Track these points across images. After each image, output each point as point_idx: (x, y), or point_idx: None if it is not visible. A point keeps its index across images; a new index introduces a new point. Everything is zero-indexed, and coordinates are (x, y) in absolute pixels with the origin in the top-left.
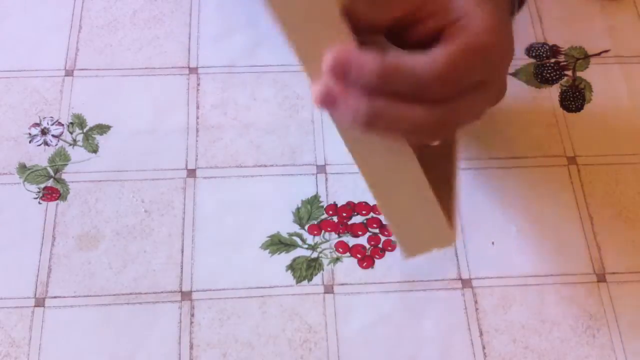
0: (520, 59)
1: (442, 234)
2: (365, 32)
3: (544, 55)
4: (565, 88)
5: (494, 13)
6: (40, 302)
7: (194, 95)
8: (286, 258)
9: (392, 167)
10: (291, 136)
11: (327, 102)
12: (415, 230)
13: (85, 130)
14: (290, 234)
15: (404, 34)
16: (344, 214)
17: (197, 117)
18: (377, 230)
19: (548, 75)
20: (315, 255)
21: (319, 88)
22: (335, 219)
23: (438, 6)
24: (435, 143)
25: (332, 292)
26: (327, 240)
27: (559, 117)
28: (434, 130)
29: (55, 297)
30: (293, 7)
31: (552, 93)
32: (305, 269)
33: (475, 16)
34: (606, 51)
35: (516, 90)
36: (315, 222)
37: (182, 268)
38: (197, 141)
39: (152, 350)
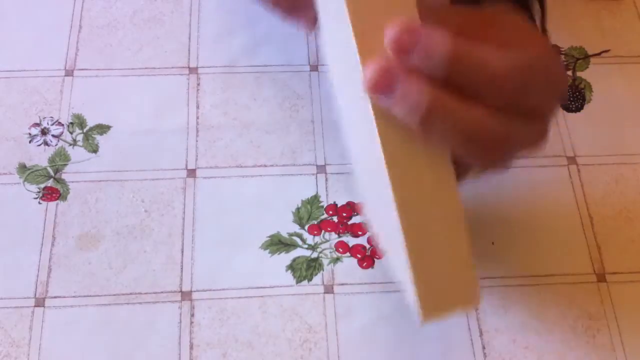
0: None
1: (469, 291)
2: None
3: None
4: None
5: (550, 46)
6: (40, 302)
7: (194, 95)
8: (286, 258)
9: (432, 192)
10: (291, 136)
11: (384, 85)
12: (441, 283)
13: (85, 130)
14: (290, 234)
15: None
16: (344, 214)
17: (197, 117)
18: None
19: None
20: (315, 255)
21: (376, 66)
22: (335, 219)
23: (490, 32)
24: (473, 176)
25: (332, 292)
26: (327, 240)
27: (559, 117)
28: (490, 144)
29: (55, 297)
30: None
31: None
32: (305, 269)
33: (543, 39)
34: (606, 51)
35: None
36: (315, 222)
37: (182, 268)
38: (197, 141)
39: (152, 350)
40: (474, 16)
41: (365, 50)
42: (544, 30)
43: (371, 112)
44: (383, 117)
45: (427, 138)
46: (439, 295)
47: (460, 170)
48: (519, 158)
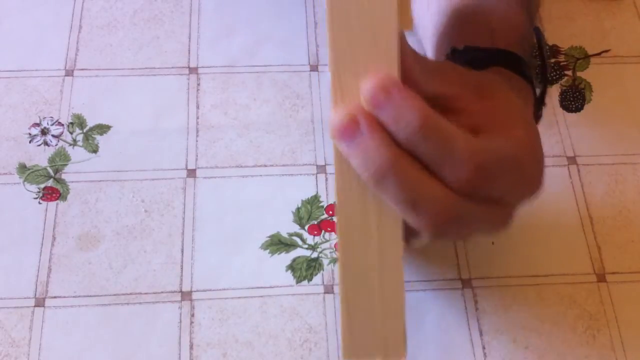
0: None
1: (395, 344)
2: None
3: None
4: (565, 88)
5: (536, 132)
6: (40, 302)
7: (194, 95)
8: (286, 258)
9: (375, 240)
10: (291, 136)
11: (345, 132)
12: (368, 329)
13: (85, 130)
14: (290, 234)
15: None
16: None
17: (197, 117)
18: None
19: (548, 75)
20: (315, 255)
21: (342, 111)
22: (335, 218)
23: (478, 107)
24: (421, 243)
25: (332, 292)
26: (327, 240)
27: (559, 117)
28: (440, 220)
29: (55, 297)
30: (350, 8)
31: (552, 93)
32: (305, 269)
33: (519, 133)
34: (606, 51)
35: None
36: (315, 222)
37: (182, 268)
38: (197, 141)
39: (152, 350)
40: (469, 78)
41: (339, 90)
42: (541, 101)
43: (332, 151)
44: (341, 160)
45: (377, 194)
46: (363, 340)
47: (411, 230)
48: (474, 237)
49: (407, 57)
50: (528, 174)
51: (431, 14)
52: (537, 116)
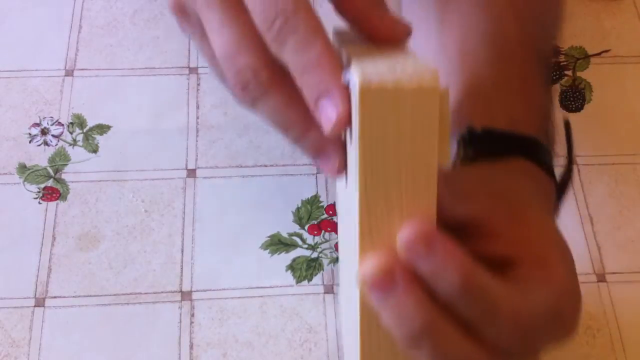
0: None
1: None
2: None
3: None
4: (565, 88)
5: (572, 263)
6: (40, 302)
7: (194, 95)
8: (286, 258)
9: None
10: None
11: (381, 287)
12: None
13: (85, 130)
14: (290, 234)
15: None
16: None
17: (197, 117)
18: None
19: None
20: (315, 255)
21: (376, 262)
22: (335, 219)
23: (512, 234)
24: None
25: (332, 292)
26: (327, 240)
27: (559, 116)
28: None
29: (55, 297)
30: (385, 138)
31: (552, 93)
32: (305, 269)
33: (557, 271)
34: (606, 51)
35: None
36: (315, 222)
37: (182, 268)
38: (197, 141)
39: (152, 350)
40: (500, 200)
41: (368, 232)
42: (562, 192)
43: (357, 300)
44: (369, 313)
45: (407, 351)
46: None
47: None
48: None
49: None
50: (568, 323)
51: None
52: (557, 207)
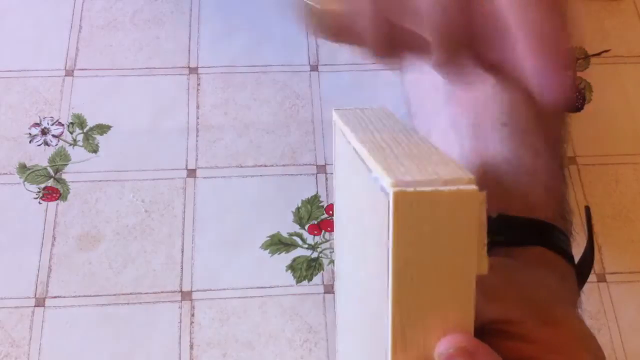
0: None
1: None
2: None
3: None
4: None
5: None
6: (40, 302)
7: (194, 95)
8: (286, 258)
9: None
10: (291, 136)
11: None
12: None
13: (85, 130)
14: (290, 234)
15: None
16: None
17: (197, 117)
18: None
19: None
20: (315, 255)
21: None
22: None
23: (542, 337)
24: None
25: (332, 292)
26: (327, 240)
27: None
28: None
29: (55, 297)
30: (422, 253)
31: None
32: (305, 269)
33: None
34: (606, 51)
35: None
36: (315, 222)
37: (182, 268)
38: (197, 141)
39: (152, 350)
40: (530, 302)
41: (401, 340)
42: (583, 280)
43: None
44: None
45: None
46: None
47: None
48: None
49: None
50: None
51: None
52: (579, 294)
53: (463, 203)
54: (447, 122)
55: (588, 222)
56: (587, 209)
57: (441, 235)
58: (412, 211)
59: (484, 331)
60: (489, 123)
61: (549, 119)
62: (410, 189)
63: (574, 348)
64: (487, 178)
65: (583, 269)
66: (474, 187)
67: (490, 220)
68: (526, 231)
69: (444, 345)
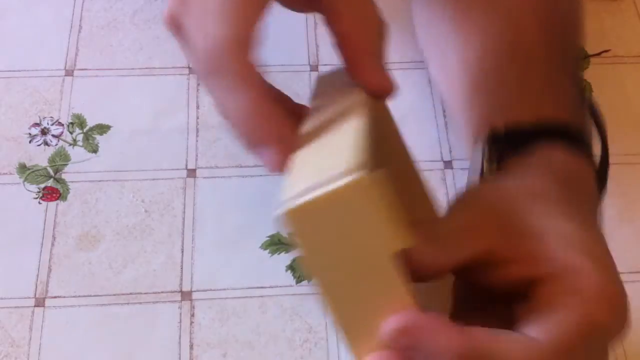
0: None
1: None
2: (428, 278)
3: None
4: None
5: (607, 266)
6: (40, 302)
7: (194, 95)
8: (286, 258)
9: None
10: None
11: None
12: None
13: (85, 130)
14: (291, 234)
15: (479, 276)
16: None
17: (197, 117)
18: None
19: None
20: None
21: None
22: None
23: (525, 252)
24: None
25: None
26: None
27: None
28: None
29: (55, 297)
30: (335, 252)
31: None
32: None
33: (587, 276)
34: (606, 51)
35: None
36: None
37: (182, 268)
38: (197, 141)
39: (152, 350)
40: (508, 219)
41: (359, 347)
42: (604, 178)
43: None
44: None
45: None
46: None
47: None
48: None
49: (423, 247)
50: (614, 330)
51: (454, 80)
52: (601, 189)
53: (356, 193)
54: (455, 46)
55: (595, 118)
56: (591, 104)
57: (347, 230)
58: (308, 221)
59: (469, 270)
60: (497, 44)
61: (559, 39)
62: (300, 202)
63: (562, 254)
64: (495, 94)
65: (600, 173)
66: (362, 174)
67: (498, 134)
68: (535, 134)
69: (384, 331)
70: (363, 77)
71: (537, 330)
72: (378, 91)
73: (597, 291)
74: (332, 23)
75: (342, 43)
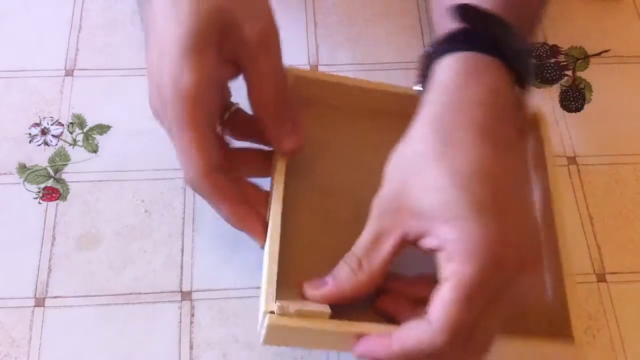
0: None
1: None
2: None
3: (544, 55)
4: (565, 88)
5: (474, 217)
6: (40, 302)
7: None
8: None
9: None
10: None
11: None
12: None
13: (85, 130)
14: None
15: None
16: None
17: None
18: None
19: (548, 75)
20: None
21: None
22: None
23: (419, 230)
24: None
25: None
26: None
27: (559, 117)
28: None
29: (55, 297)
30: None
31: (552, 93)
32: None
33: (453, 243)
34: (606, 51)
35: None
36: None
37: (182, 268)
38: None
39: (152, 350)
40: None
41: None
42: (524, 79)
43: None
44: None
45: None
46: None
47: None
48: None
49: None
50: (510, 263)
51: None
52: (524, 92)
53: (274, 325)
54: None
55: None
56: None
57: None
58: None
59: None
60: None
61: None
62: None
63: (437, 213)
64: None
65: (517, 64)
66: (268, 319)
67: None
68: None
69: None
70: (270, 139)
71: (433, 316)
72: (282, 150)
73: (462, 254)
74: (248, 94)
75: (253, 111)
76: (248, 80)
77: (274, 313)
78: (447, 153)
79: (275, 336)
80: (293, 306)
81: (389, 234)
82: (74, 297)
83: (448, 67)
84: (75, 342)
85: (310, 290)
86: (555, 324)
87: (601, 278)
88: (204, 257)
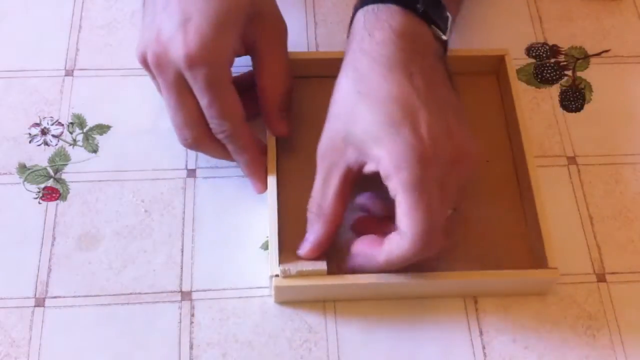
0: (520, 59)
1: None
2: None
3: (544, 55)
4: (565, 88)
5: (394, 132)
6: (40, 302)
7: None
8: None
9: None
10: None
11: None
12: None
13: (85, 130)
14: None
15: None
16: None
17: None
18: None
19: (548, 75)
20: None
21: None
22: None
23: (360, 159)
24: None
25: None
26: None
27: (559, 117)
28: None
29: (55, 297)
30: None
31: (552, 93)
32: None
33: (394, 148)
34: (606, 51)
35: (516, 90)
36: None
37: (182, 268)
38: None
39: (152, 350)
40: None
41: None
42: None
43: None
44: None
45: None
46: None
47: None
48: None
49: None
50: (434, 172)
51: None
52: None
53: (280, 286)
54: None
55: None
56: None
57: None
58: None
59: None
60: None
61: None
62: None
63: (373, 153)
64: None
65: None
66: (275, 282)
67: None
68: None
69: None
70: (267, 122)
71: (398, 220)
72: (274, 134)
73: (395, 166)
74: (256, 76)
75: (259, 95)
76: (262, 70)
77: (279, 276)
78: (362, 89)
79: (283, 294)
80: (294, 268)
81: (335, 169)
82: (74, 297)
83: (360, 18)
84: (75, 342)
85: (300, 251)
86: (534, 252)
87: (601, 278)
88: (204, 257)
